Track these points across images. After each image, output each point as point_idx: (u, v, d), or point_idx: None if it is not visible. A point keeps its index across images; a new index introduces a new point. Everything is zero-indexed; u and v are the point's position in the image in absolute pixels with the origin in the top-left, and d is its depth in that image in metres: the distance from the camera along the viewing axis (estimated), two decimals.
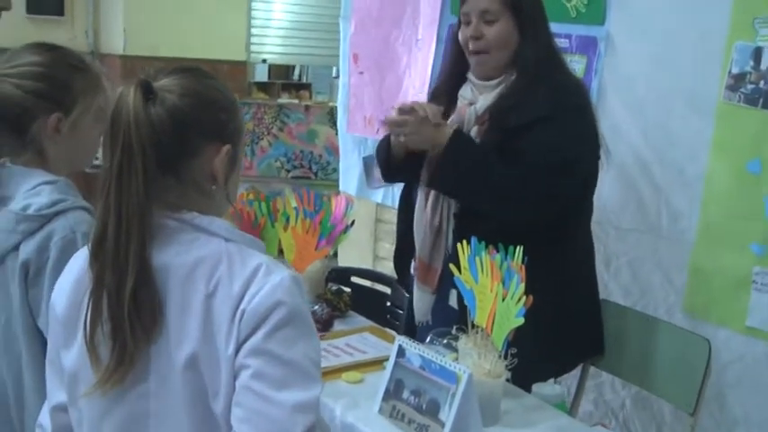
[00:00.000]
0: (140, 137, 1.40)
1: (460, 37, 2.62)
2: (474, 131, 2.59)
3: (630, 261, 3.28)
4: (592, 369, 2.96)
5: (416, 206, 2.70)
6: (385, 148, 2.71)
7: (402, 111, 2.54)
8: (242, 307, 1.42)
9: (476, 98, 2.63)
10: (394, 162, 2.70)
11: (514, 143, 2.47)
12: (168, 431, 1.47)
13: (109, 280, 1.43)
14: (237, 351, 1.42)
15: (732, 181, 2.91)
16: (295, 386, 1.40)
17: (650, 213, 3.21)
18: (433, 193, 2.61)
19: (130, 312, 1.42)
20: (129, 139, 1.40)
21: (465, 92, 2.68)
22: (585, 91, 2.69)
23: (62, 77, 1.89)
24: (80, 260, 1.55)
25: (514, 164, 2.45)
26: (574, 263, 2.63)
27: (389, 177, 2.88)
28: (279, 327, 1.41)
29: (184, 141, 1.46)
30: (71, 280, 1.55)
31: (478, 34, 2.55)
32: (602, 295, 3.04)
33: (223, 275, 1.44)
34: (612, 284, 3.31)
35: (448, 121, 2.61)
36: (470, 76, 2.67)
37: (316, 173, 6.93)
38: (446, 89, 2.74)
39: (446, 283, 2.61)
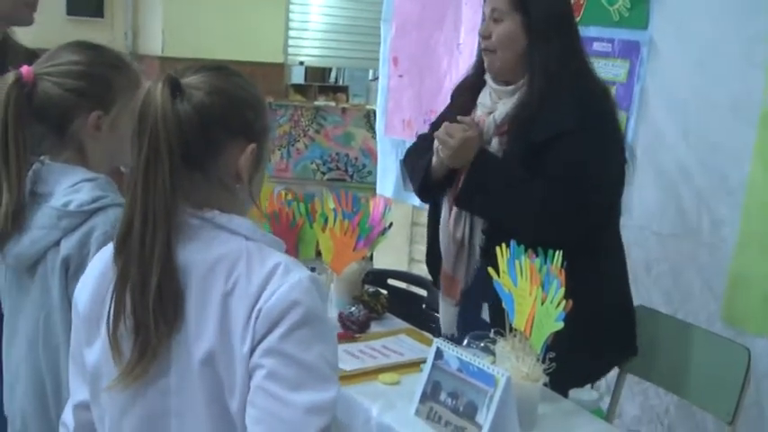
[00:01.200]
0: (167, 133, 1.42)
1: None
2: (495, 142, 2.60)
3: (671, 267, 3.28)
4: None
5: (441, 218, 2.72)
6: (423, 167, 2.71)
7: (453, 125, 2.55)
8: (258, 306, 1.43)
9: (494, 106, 2.62)
10: (431, 182, 2.70)
11: (539, 157, 2.47)
12: (188, 428, 1.49)
13: (134, 274, 1.45)
14: (253, 350, 1.43)
15: None
16: (309, 388, 1.41)
17: (691, 219, 3.21)
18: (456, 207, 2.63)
19: (155, 307, 1.44)
20: (156, 134, 1.42)
21: (484, 99, 2.67)
22: (611, 97, 2.64)
23: (102, 75, 1.92)
24: (104, 257, 1.57)
25: (539, 178, 2.46)
26: (606, 267, 2.63)
27: (425, 196, 2.88)
28: (295, 327, 1.42)
29: (210, 138, 1.48)
30: (94, 276, 1.57)
31: (487, 33, 2.57)
32: (643, 301, 3.05)
33: (242, 274, 1.45)
34: (654, 290, 3.31)
35: None
36: (488, 78, 2.67)
37: (351, 175, 6.96)
38: (470, 89, 2.75)
39: (474, 297, 2.63)
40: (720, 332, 2.92)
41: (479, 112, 2.67)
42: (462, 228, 2.64)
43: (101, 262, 1.57)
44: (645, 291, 3.31)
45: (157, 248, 1.43)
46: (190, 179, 1.47)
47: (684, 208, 3.22)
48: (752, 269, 2.97)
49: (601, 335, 2.54)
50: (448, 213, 2.68)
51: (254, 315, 1.43)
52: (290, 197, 2.74)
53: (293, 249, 2.70)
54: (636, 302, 2.92)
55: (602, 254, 2.61)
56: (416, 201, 4.49)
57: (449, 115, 2.68)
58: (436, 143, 2.58)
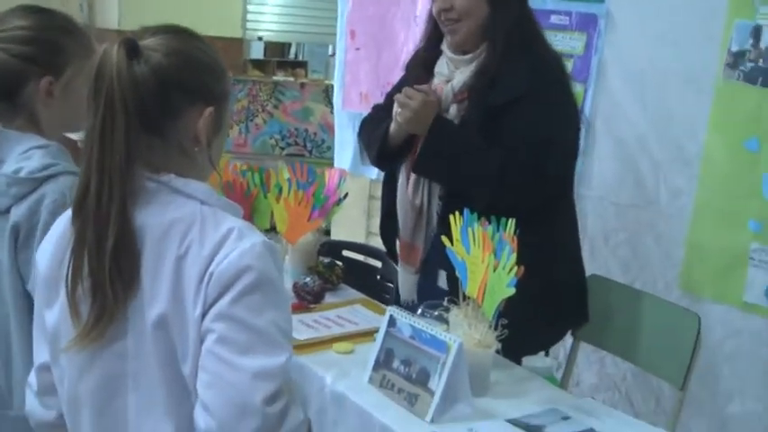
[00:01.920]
0: (123, 95, 1.41)
1: (433, 10, 2.65)
2: (453, 110, 2.62)
3: (630, 237, 3.32)
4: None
5: (399, 186, 2.73)
6: (381, 135, 2.72)
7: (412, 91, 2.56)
8: (210, 270, 1.43)
9: (452, 74, 2.65)
10: (389, 149, 2.71)
11: (496, 121, 2.50)
12: (144, 391, 1.50)
13: (90, 236, 1.45)
14: (204, 315, 1.43)
15: (730, 158, 2.95)
16: (259, 353, 1.41)
17: (649, 190, 3.25)
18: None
19: (111, 269, 1.44)
20: (112, 96, 1.41)
21: (441, 68, 2.70)
22: (564, 65, 2.72)
23: (51, 40, 1.90)
24: (63, 220, 1.57)
25: (498, 143, 2.48)
26: (559, 236, 2.66)
27: (382, 164, 2.90)
28: (246, 292, 1.43)
29: (167, 101, 1.47)
30: (54, 238, 1.57)
31: (448, 6, 2.58)
32: (601, 271, 3.09)
33: (195, 238, 1.46)
34: (612, 260, 3.35)
35: None
36: (445, 49, 2.69)
37: (310, 150, 6.94)
38: (422, 63, 2.76)
39: (432, 264, 2.65)
40: (678, 300, 2.97)
41: (437, 81, 2.68)
42: (421, 195, 2.65)
43: (61, 224, 1.57)
44: (603, 261, 3.35)
45: (114, 210, 1.43)
46: (147, 142, 1.47)
47: (642, 178, 3.26)
48: (708, 238, 3.02)
49: (553, 303, 2.57)
50: (406, 181, 2.69)
51: (206, 279, 1.43)
52: (244, 167, 2.73)
53: (247, 220, 2.68)
54: (595, 272, 2.96)
55: (556, 222, 2.63)
56: (373, 174, 4.52)
57: (404, 86, 2.69)
58: (395, 108, 2.60)
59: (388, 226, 2.87)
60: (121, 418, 1.52)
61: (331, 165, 4.91)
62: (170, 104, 1.48)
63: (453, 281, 2.23)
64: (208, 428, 1.41)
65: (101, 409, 1.54)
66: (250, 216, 2.71)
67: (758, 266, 2.86)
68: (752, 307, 2.90)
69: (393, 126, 2.65)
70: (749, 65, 2.87)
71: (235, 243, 1.45)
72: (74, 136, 2.22)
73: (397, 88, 2.74)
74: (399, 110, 2.57)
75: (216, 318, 1.42)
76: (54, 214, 1.77)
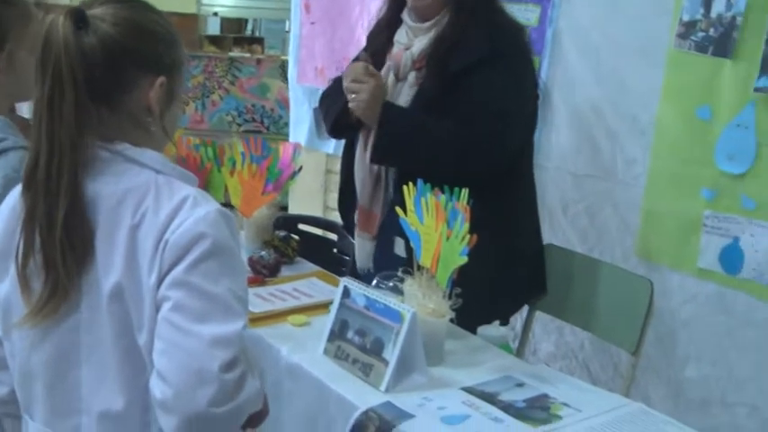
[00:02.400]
0: (71, 66, 1.41)
1: None
2: (411, 77, 2.62)
3: (587, 207, 3.35)
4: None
5: (356, 153, 2.73)
6: (339, 108, 2.71)
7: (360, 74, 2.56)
8: (165, 237, 1.43)
9: (411, 42, 2.65)
10: (345, 120, 2.71)
11: (454, 90, 2.50)
12: (97, 363, 1.49)
13: (41, 209, 1.44)
14: (160, 283, 1.43)
15: (682, 127, 2.97)
16: (214, 320, 1.41)
17: (605, 159, 3.27)
18: (372, 140, 2.64)
19: (62, 242, 1.43)
20: (60, 67, 1.40)
21: (400, 36, 2.70)
22: (524, 33, 2.72)
23: None
24: (14, 194, 1.56)
25: (454, 113, 2.49)
26: (516, 205, 2.67)
27: (337, 134, 2.91)
28: (201, 259, 1.43)
29: (117, 71, 1.46)
30: (5, 211, 1.56)
31: None
32: (560, 241, 3.12)
33: (149, 206, 1.46)
34: (570, 230, 3.37)
35: (384, 68, 2.65)
36: (405, 17, 2.69)
37: (268, 127, 6.91)
38: (384, 32, 2.76)
39: (389, 231, 2.65)
40: (635, 267, 3.00)
41: (395, 50, 2.68)
42: None
43: (11, 198, 1.56)
44: (562, 231, 3.37)
45: (64, 182, 1.43)
46: (98, 113, 1.46)
47: (598, 148, 3.28)
48: (662, 206, 3.05)
49: (508, 273, 2.59)
50: (364, 147, 2.69)
51: (160, 247, 1.43)
52: (197, 142, 2.72)
53: None
54: (553, 242, 2.99)
55: (512, 192, 2.64)
56: (330, 148, 4.51)
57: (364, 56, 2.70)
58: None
59: (347, 196, 2.88)
60: (75, 391, 1.52)
61: (288, 140, 4.90)
62: (119, 75, 1.47)
63: (410, 248, 2.24)
64: (164, 398, 1.40)
65: (53, 383, 1.53)
66: (204, 189, 2.69)
67: (711, 233, 2.90)
68: (706, 273, 2.93)
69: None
70: (700, 34, 2.89)
71: (190, 211, 1.45)
72: (24, 109, 2.20)
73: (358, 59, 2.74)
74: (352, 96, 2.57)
75: (171, 285, 1.43)
76: (5, 189, 1.75)
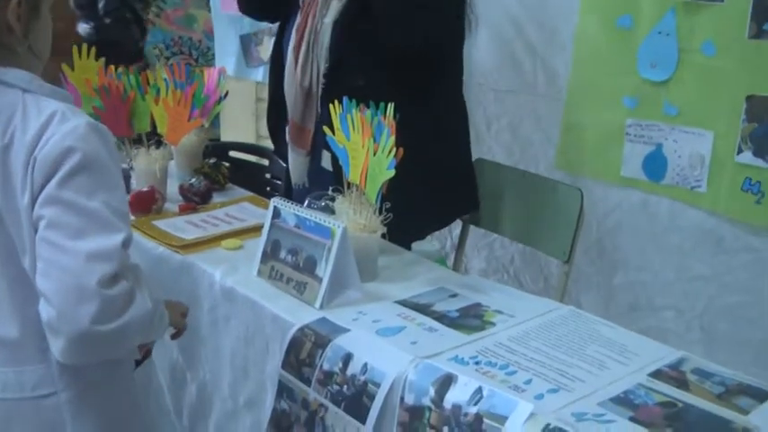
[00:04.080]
0: None
1: None
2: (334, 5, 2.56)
3: (510, 122, 3.34)
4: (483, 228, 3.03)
5: (286, 68, 2.67)
6: None
7: None
8: (34, 154, 1.40)
9: None
10: None
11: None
12: None
13: None
14: (34, 202, 1.40)
15: (602, 38, 2.96)
16: (92, 234, 1.38)
17: (527, 74, 3.25)
18: (302, 53, 2.58)
19: None
20: None
21: None
22: None
23: None
24: None
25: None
26: (441, 117, 2.62)
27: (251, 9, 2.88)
28: (72, 174, 1.40)
29: None
30: None
31: None
32: (485, 156, 3.09)
33: (18, 125, 1.42)
34: (495, 146, 3.36)
35: None
36: None
37: (196, 59, 6.75)
38: None
39: (319, 146, 2.61)
40: (560, 180, 2.99)
41: None
42: (309, 76, 2.59)
43: None
44: (487, 147, 3.36)
45: None
46: None
47: (520, 63, 3.27)
48: (585, 116, 3.05)
49: (437, 186, 2.56)
50: (294, 62, 2.62)
51: (30, 164, 1.40)
52: (119, 70, 2.64)
53: (126, 124, 2.62)
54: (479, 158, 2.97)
55: (438, 104, 2.59)
56: (259, 76, 4.44)
57: None
58: None
59: (275, 113, 2.83)
60: None
61: None
62: None
63: (336, 164, 2.20)
64: (49, 319, 1.38)
65: None
66: (129, 120, 2.63)
67: (634, 141, 2.91)
68: (629, 181, 2.95)
69: None
70: None
71: (57, 126, 1.42)
72: None
73: None
74: None
75: (45, 203, 1.39)
76: None
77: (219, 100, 2.73)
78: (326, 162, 2.56)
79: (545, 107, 3.21)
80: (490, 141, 3.38)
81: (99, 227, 1.39)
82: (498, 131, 3.37)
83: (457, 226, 3.14)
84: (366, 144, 2.03)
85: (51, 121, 1.42)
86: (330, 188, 2.23)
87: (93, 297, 1.35)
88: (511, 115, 3.33)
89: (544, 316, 1.90)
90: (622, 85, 2.91)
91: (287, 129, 2.75)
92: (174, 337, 1.93)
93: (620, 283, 3.07)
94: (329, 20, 2.56)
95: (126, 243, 1.43)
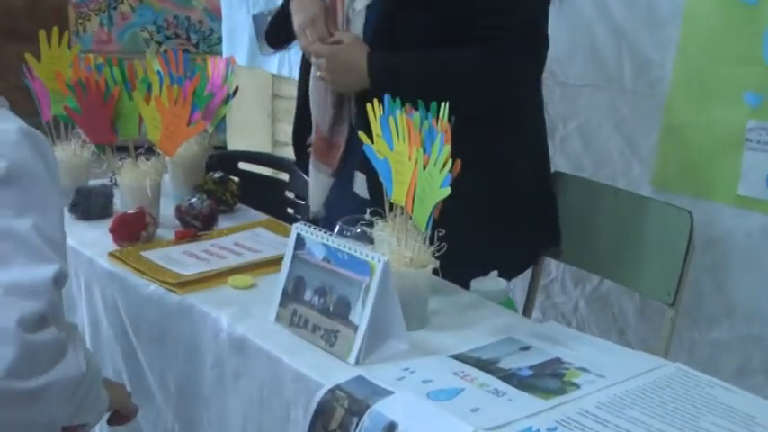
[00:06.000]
0: None
1: None
2: None
3: (581, 126, 3.33)
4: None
5: (312, 70, 2.70)
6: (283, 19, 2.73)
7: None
8: None
9: None
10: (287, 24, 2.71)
11: None
12: None
13: None
14: None
15: (719, 15, 2.94)
16: (14, 262, 1.40)
17: (608, 63, 3.24)
18: None
19: None
20: None
21: None
22: None
23: None
24: None
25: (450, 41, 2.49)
26: (514, 122, 2.64)
27: (277, 41, 2.95)
28: None
29: None
30: None
31: None
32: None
33: None
34: (558, 157, 3.34)
35: None
36: None
37: (196, 44, 6.85)
38: None
39: (350, 166, 2.65)
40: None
41: None
42: None
43: None
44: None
45: None
46: None
47: (599, 49, 3.26)
48: (693, 117, 3.02)
49: (507, 207, 2.57)
50: None
51: None
52: (99, 61, 2.67)
53: (109, 128, 2.66)
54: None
55: (512, 103, 2.61)
56: (275, 67, 4.48)
57: None
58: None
59: (303, 125, 2.86)
60: None
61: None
62: None
63: (377, 185, 2.21)
64: None
65: None
66: (112, 123, 2.66)
67: (757, 150, 2.87)
68: (748, 201, 2.92)
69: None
70: None
71: None
72: None
73: None
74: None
75: None
76: None
77: (227, 98, 2.76)
78: (361, 187, 2.58)
79: (631, 106, 3.20)
80: (553, 150, 3.35)
81: (24, 254, 1.42)
82: (564, 138, 3.37)
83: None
84: (414, 155, 2.04)
85: None
86: (368, 210, 2.24)
87: (10, 340, 1.36)
88: (583, 117, 3.32)
89: (643, 376, 1.89)
90: (744, 76, 2.89)
91: (311, 140, 2.78)
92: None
93: (723, 338, 3.03)
94: (361, 5, 2.59)
95: (58, 279, 1.44)
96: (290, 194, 3.39)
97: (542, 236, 2.86)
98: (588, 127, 3.32)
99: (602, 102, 3.27)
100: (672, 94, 3.08)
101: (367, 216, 2.24)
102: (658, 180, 3.13)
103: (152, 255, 2.46)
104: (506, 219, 2.60)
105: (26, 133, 1.48)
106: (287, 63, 4.31)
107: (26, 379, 1.37)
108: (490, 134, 2.38)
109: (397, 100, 2.14)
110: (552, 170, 3.11)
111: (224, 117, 3.16)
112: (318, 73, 2.60)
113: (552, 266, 3.42)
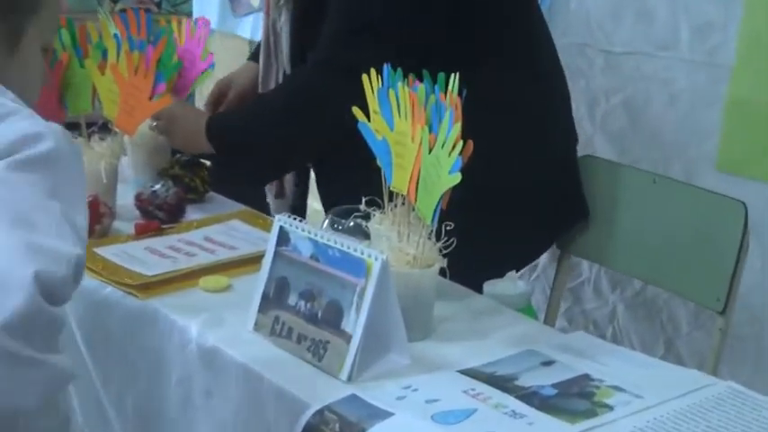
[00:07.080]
0: None
1: None
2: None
3: (627, 101, 3.33)
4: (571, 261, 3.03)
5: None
6: None
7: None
8: None
9: None
10: None
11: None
12: None
13: None
14: None
15: None
16: (41, 230, 1.47)
17: (660, 27, 3.25)
18: (262, 63, 2.82)
19: None
20: None
21: None
22: None
23: None
24: None
25: None
26: (536, 93, 2.65)
27: None
28: (33, 162, 1.52)
29: None
30: None
31: None
32: (585, 151, 3.09)
33: None
34: (599, 136, 3.36)
35: None
36: None
37: (159, 3, 6.87)
38: None
39: None
40: (712, 186, 2.91)
41: None
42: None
43: None
44: (587, 138, 3.35)
45: None
46: None
47: (649, 11, 3.29)
48: (761, 89, 3.03)
49: (525, 195, 2.59)
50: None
51: None
52: None
53: (56, 102, 2.66)
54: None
55: (525, 77, 2.63)
56: (248, 32, 4.52)
57: None
58: None
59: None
60: None
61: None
62: None
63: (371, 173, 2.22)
64: None
65: None
66: (60, 95, 2.66)
67: None
68: None
69: None
70: None
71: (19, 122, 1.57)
72: None
73: None
74: None
75: None
76: None
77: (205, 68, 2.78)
78: None
79: (688, 77, 3.20)
80: (592, 129, 3.38)
81: (53, 227, 1.49)
82: (607, 114, 3.38)
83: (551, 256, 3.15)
84: (419, 135, 2.04)
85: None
86: (363, 200, 2.24)
87: (22, 289, 1.39)
88: (629, 90, 3.33)
89: (688, 396, 1.89)
90: None
91: None
92: None
93: None
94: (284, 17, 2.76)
95: (78, 266, 1.49)
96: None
97: (566, 214, 2.88)
98: (636, 102, 3.32)
99: (654, 72, 3.27)
100: (737, 64, 3.08)
101: (362, 206, 2.24)
102: (722, 163, 3.13)
103: (107, 252, 2.48)
104: (521, 204, 2.63)
105: (68, 133, 1.61)
106: (260, 27, 4.33)
107: (24, 345, 1.39)
108: (492, 100, 2.41)
109: (399, 71, 2.13)
110: (591, 151, 3.13)
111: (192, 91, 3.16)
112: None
113: (584, 266, 3.41)
